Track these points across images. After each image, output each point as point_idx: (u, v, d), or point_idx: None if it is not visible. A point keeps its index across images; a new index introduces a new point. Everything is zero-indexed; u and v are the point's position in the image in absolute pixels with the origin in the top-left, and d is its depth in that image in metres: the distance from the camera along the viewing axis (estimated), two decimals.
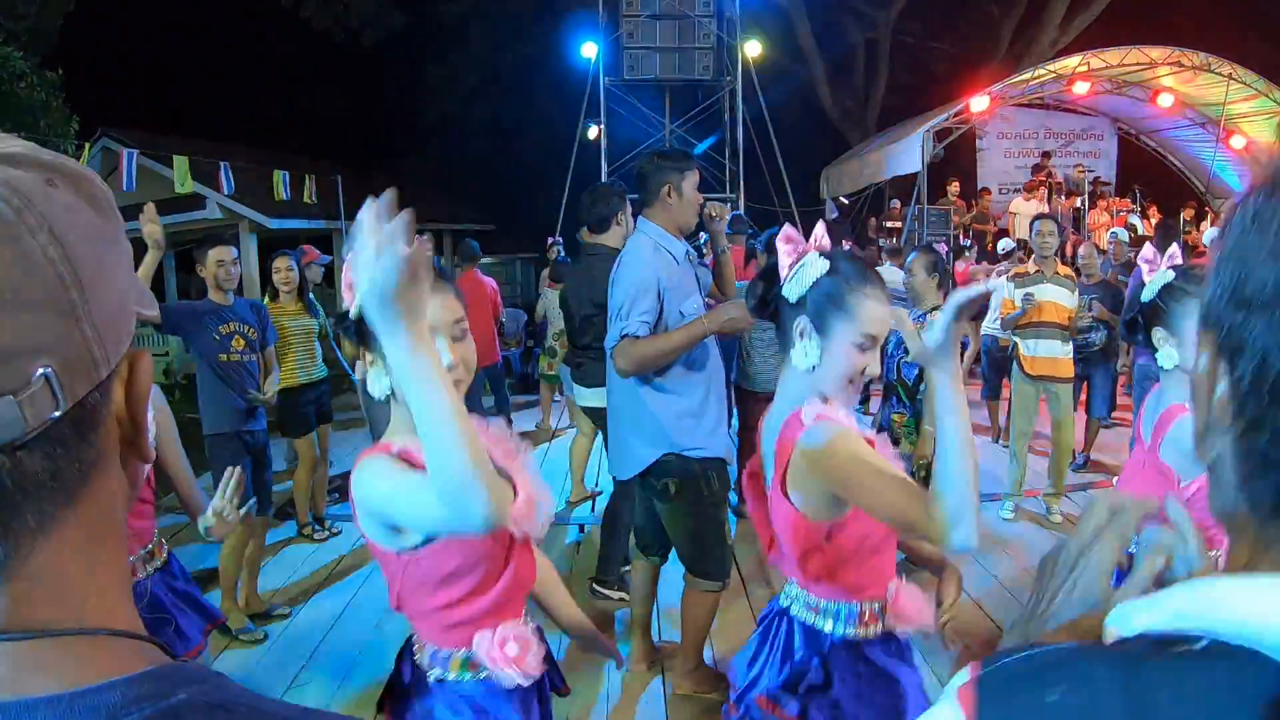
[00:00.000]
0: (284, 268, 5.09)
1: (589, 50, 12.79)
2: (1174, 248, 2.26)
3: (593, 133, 12.67)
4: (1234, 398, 0.49)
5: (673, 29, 12.34)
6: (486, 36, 18.64)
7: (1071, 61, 12.54)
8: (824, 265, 1.68)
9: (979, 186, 14.15)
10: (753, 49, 12.82)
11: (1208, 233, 10.04)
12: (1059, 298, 5.24)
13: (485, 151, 19.02)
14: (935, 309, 4.33)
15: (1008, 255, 9.39)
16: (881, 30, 17.81)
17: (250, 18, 19.21)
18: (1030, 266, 5.43)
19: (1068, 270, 5.43)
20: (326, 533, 5.26)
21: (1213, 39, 13.14)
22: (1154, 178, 15.17)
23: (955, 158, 13.91)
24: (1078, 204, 13.17)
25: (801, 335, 1.68)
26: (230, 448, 3.96)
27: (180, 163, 8.94)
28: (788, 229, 1.74)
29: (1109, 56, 12.34)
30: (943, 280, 4.51)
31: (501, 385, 7.56)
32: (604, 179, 12.50)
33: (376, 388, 1.45)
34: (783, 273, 1.72)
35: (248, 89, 20.13)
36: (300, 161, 15.06)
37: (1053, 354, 5.21)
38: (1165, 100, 13.79)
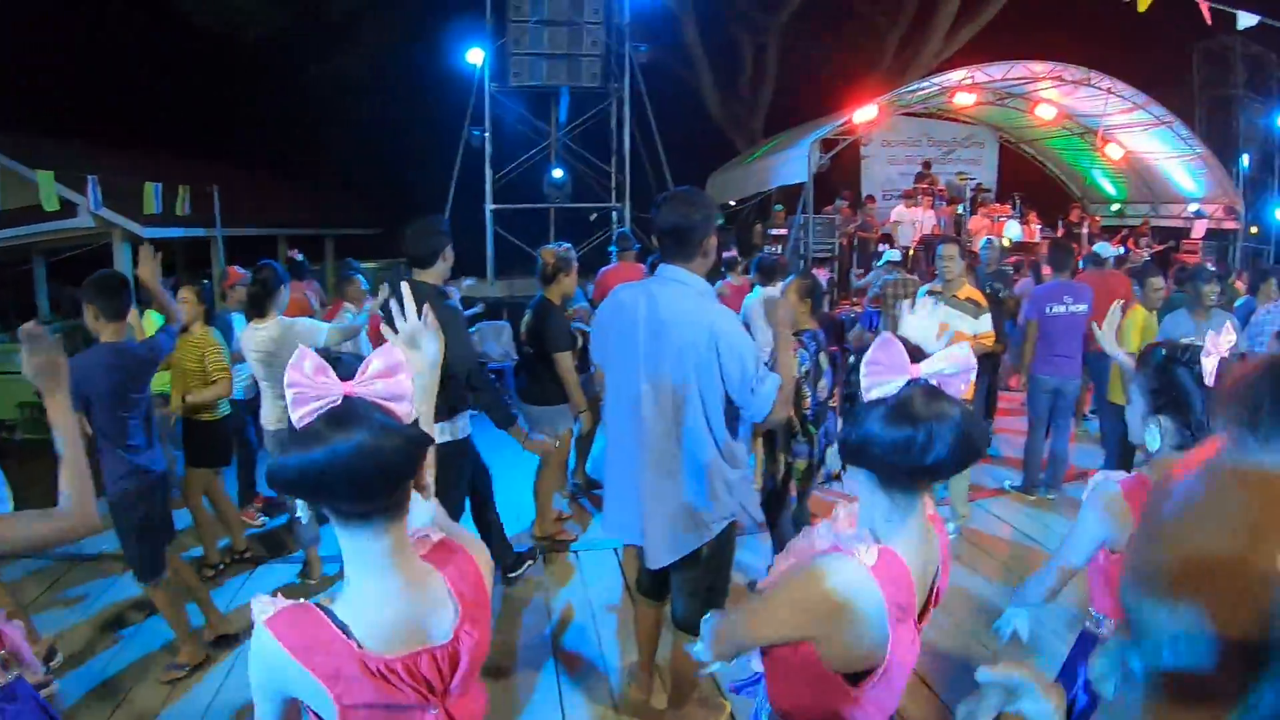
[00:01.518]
0: (191, 298, 4.83)
1: (475, 56, 12.52)
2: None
3: (477, 140, 12.43)
4: None
5: (561, 35, 12.18)
6: (373, 37, 18.16)
7: (957, 74, 12.84)
8: None
9: (863, 194, 14.39)
10: (641, 56, 12.73)
11: (1098, 245, 10.26)
12: (951, 319, 5.17)
13: (371, 154, 18.56)
14: (801, 332, 4.32)
15: (894, 264, 9.50)
16: (769, 37, 17.99)
17: (127, 11, 18.27)
18: (936, 287, 5.46)
19: (973, 293, 5.35)
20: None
21: (1092, 53, 13.63)
22: (1033, 184, 15.69)
23: (840, 165, 14.10)
24: (959, 210, 13.50)
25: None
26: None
27: (45, 179, 8.19)
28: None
29: (993, 70, 12.67)
30: (816, 306, 4.50)
31: None
32: (488, 186, 12.30)
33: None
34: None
35: (125, 87, 19.10)
36: (178, 165, 14.38)
37: None
38: (1046, 112, 14.25)
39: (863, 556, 1.47)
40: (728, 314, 2.90)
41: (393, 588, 1.34)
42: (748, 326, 4.63)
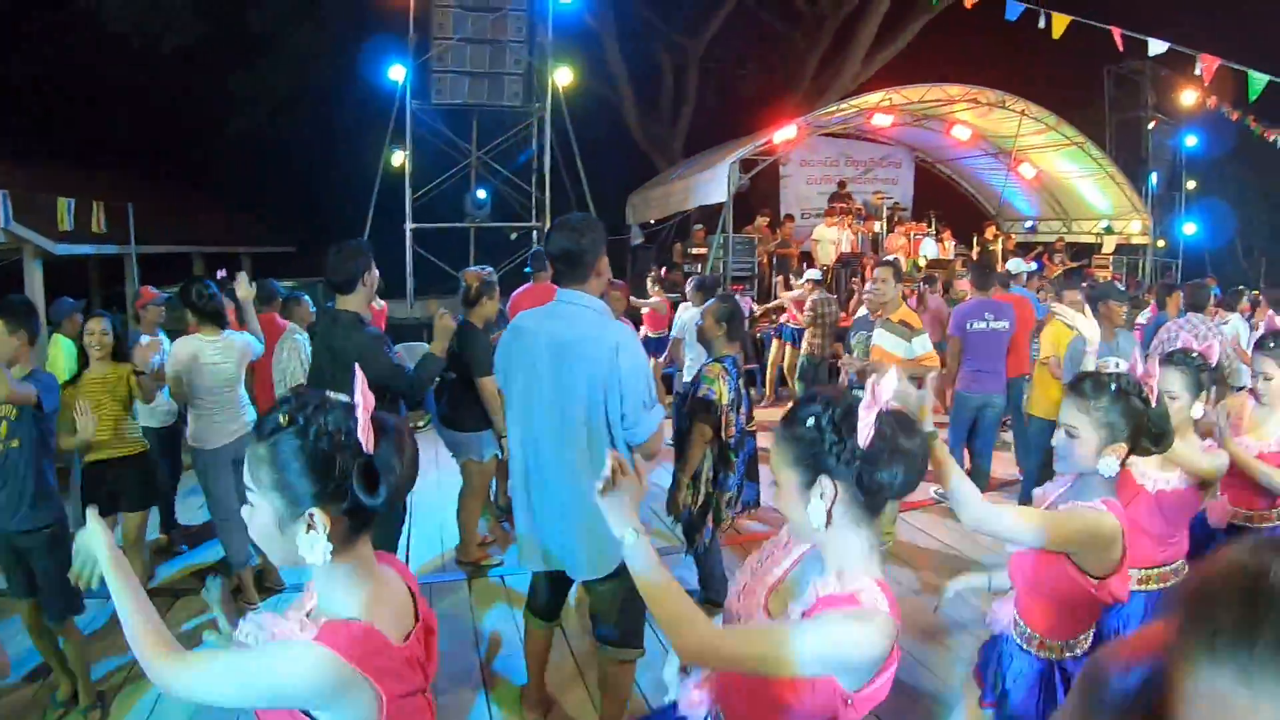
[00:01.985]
0: (97, 330, 4.47)
1: (397, 73, 12.42)
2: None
3: (397, 158, 12.31)
4: None
5: (483, 53, 12.15)
6: (294, 51, 17.75)
7: (875, 97, 13.12)
8: None
9: (782, 212, 14.58)
10: (563, 76, 12.76)
11: (1011, 262, 10.50)
12: (884, 342, 5.30)
13: (289, 170, 18.19)
14: (722, 358, 4.35)
15: (815, 284, 9.65)
16: (690, 58, 18.21)
17: (40, 17, 17.65)
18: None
19: (906, 314, 5.38)
20: None
21: (1007, 76, 14.06)
22: (948, 203, 16.12)
23: (759, 184, 14.30)
24: (876, 229, 13.79)
25: None
26: None
27: None
28: None
29: (910, 93, 12.97)
30: (734, 330, 4.50)
31: None
32: (408, 205, 12.20)
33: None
34: None
35: (36, 95, 18.49)
36: (94, 178, 14.00)
37: None
38: (961, 133, 14.66)
39: (879, 604, 1.47)
40: (629, 331, 3.05)
41: (383, 580, 1.49)
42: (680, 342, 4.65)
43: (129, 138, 18.37)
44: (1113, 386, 2.18)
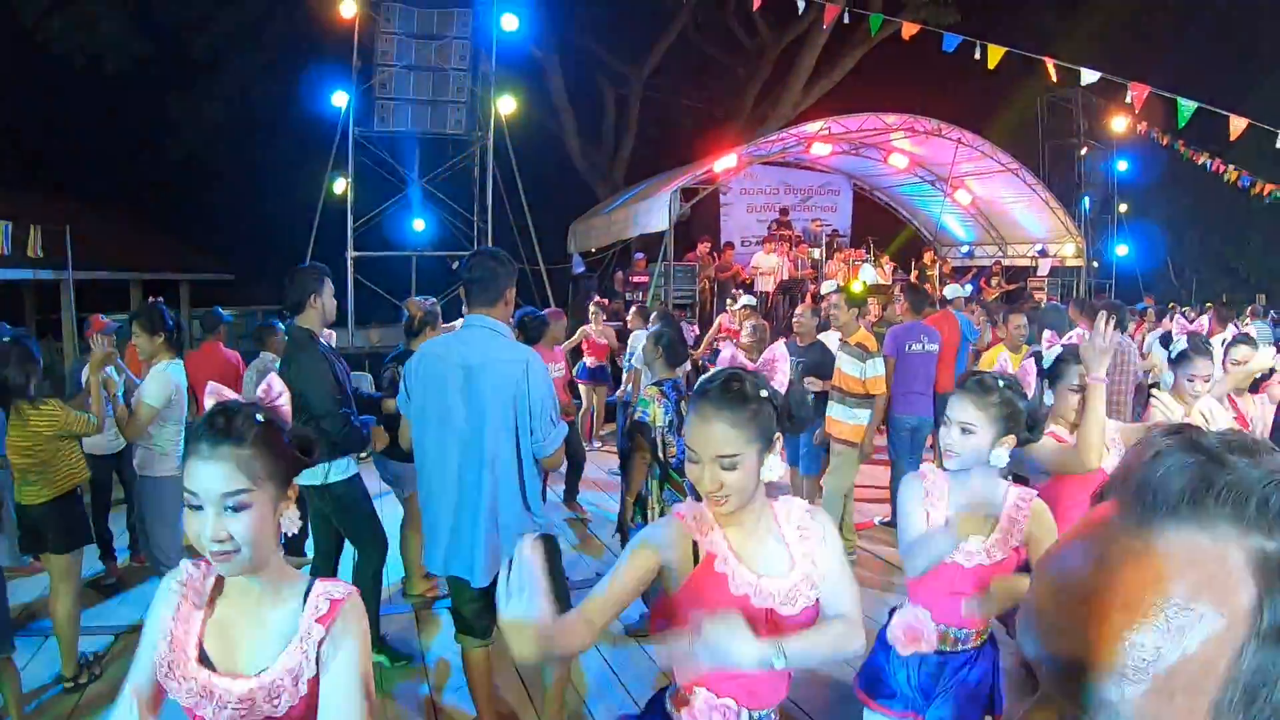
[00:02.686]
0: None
1: (340, 100, 12.42)
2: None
3: (339, 185, 12.29)
4: None
5: (427, 81, 12.22)
6: (236, 74, 17.62)
7: (814, 126, 13.38)
8: None
9: (722, 240, 14.79)
10: (506, 104, 12.85)
11: (949, 288, 10.73)
12: (843, 364, 5.74)
13: (229, 195, 18.03)
14: (661, 382, 4.44)
15: (751, 309, 9.80)
16: (632, 87, 18.47)
17: None
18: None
19: (863, 337, 5.75)
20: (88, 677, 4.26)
21: (943, 105, 14.44)
22: (886, 229, 16.48)
23: (700, 212, 14.47)
24: (815, 255, 14.05)
25: None
26: None
27: None
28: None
29: (849, 122, 13.27)
30: (672, 356, 4.60)
31: None
32: (349, 233, 12.18)
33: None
34: None
35: None
36: (28, 201, 13.76)
37: (834, 415, 5.78)
38: (899, 160, 15.02)
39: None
40: (535, 353, 3.32)
41: None
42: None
43: (67, 160, 18.06)
44: (1002, 384, 2.38)
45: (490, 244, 12.44)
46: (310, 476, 3.82)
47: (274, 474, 1.52)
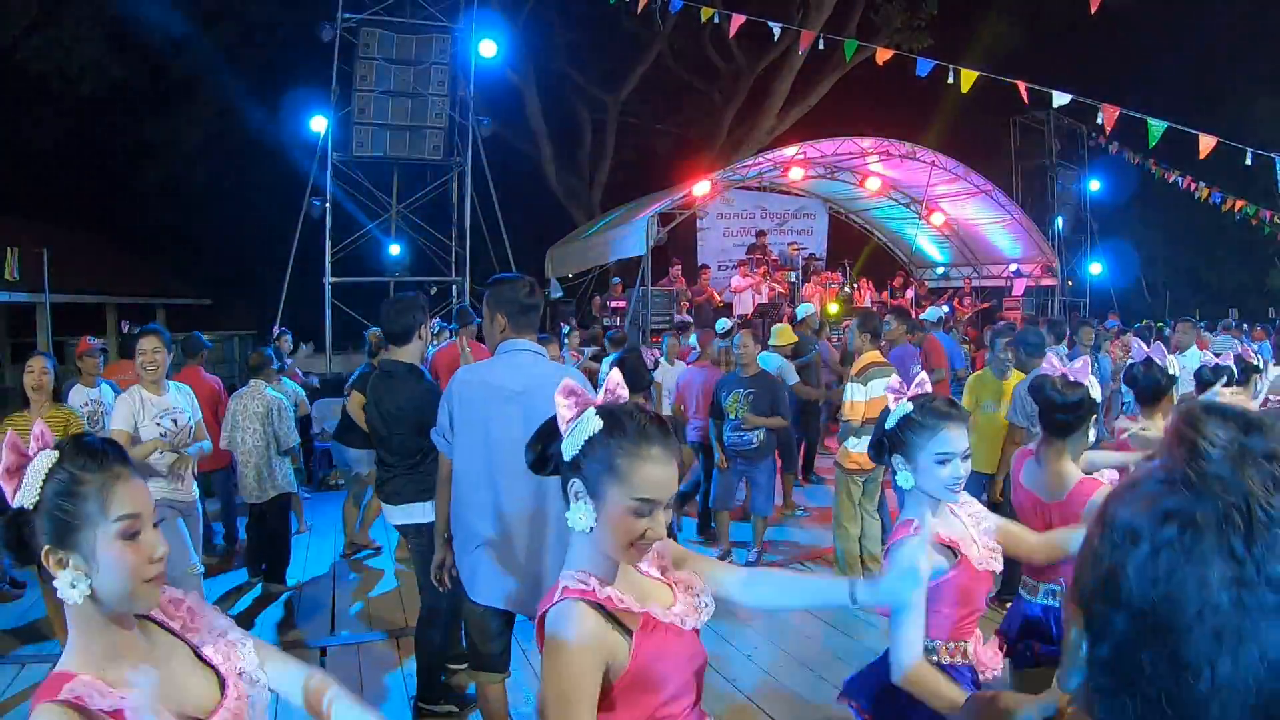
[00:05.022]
0: (38, 369, 4.37)
1: (318, 124, 12.47)
2: (921, 375, 2.43)
3: (317, 211, 12.33)
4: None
5: (404, 106, 12.30)
6: (214, 96, 17.62)
7: (790, 150, 13.53)
8: (598, 424, 1.54)
9: (699, 264, 14.89)
10: (484, 130, 12.94)
11: (929, 311, 10.85)
12: (854, 395, 5.42)
13: (206, 220, 17.99)
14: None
15: (725, 334, 9.87)
16: (609, 113, 18.65)
17: None
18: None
19: (873, 357, 5.54)
20: None
21: (917, 128, 14.65)
22: (861, 251, 16.65)
23: (676, 236, 14.58)
24: (792, 279, 14.18)
25: (575, 497, 1.56)
26: None
27: None
28: (569, 383, 1.62)
29: (824, 146, 13.42)
30: (637, 383, 4.60)
31: (230, 492, 6.66)
32: (327, 258, 12.21)
33: (71, 592, 1.32)
34: (562, 428, 1.59)
35: None
36: (7, 223, 13.71)
37: (853, 449, 5.39)
38: (873, 184, 15.21)
39: None
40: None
41: None
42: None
43: (44, 182, 17.98)
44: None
45: (468, 270, 12.53)
46: (423, 514, 3.72)
47: None
